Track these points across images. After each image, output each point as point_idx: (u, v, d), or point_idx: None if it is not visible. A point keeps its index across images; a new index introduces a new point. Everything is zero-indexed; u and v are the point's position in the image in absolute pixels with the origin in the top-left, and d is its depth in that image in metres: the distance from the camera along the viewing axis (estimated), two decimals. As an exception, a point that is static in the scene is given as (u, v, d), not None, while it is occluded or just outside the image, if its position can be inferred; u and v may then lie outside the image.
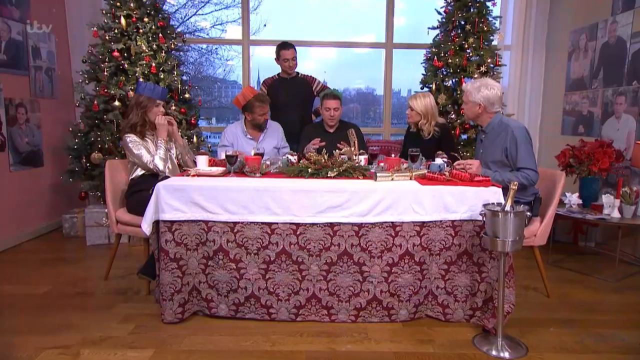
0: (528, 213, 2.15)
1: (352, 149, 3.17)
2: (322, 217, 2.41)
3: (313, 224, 2.42)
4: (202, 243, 2.44)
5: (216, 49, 7.99)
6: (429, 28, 4.54)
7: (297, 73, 4.09)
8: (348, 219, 2.41)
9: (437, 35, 4.52)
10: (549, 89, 4.93)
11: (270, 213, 2.40)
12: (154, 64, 3.99)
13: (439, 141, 3.38)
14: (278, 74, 4.12)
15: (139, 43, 4.01)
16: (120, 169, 3.21)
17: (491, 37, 4.21)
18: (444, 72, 4.35)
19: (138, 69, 3.96)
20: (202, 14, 8.13)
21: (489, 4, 4.26)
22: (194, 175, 2.62)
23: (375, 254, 2.44)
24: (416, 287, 2.46)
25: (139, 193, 2.95)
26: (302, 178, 2.64)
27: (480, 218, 2.39)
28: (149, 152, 3.01)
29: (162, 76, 4.04)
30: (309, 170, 2.68)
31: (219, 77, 8.58)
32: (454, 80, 4.28)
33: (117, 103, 3.85)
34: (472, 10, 4.23)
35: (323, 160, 2.74)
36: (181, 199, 2.40)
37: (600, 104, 4.15)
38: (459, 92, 4.18)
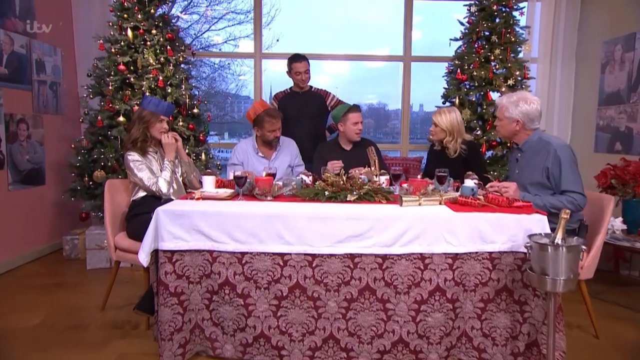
0: (583, 247, 1.85)
1: (373, 168, 2.90)
2: (341, 247, 2.13)
3: (331, 255, 2.14)
4: (206, 275, 2.18)
5: (229, 64, 7.87)
6: (450, 39, 4.28)
7: (310, 87, 3.86)
8: (370, 249, 2.13)
9: (460, 47, 4.26)
10: (580, 104, 4.62)
11: (282, 242, 2.14)
12: (161, 78, 3.80)
13: (466, 160, 3.09)
14: (290, 88, 3.89)
15: (146, 56, 3.82)
16: (121, 189, 2.97)
17: (518, 49, 3.94)
18: (468, 86, 4.07)
19: (145, 82, 3.76)
20: (215, 30, 8.04)
21: (515, 13, 4.00)
22: (198, 199, 2.37)
23: (402, 289, 2.15)
24: (448, 328, 2.16)
25: (140, 216, 2.70)
26: (318, 202, 2.37)
27: (522, 250, 2.10)
28: (152, 172, 2.78)
29: (169, 90, 3.84)
30: (326, 193, 2.41)
31: (231, 92, 8.46)
32: (478, 94, 4.00)
33: (121, 118, 3.64)
34: (497, 20, 3.97)
35: (341, 182, 2.47)
36: (183, 225, 2.14)
37: (640, 120, 3.83)
38: (484, 106, 3.90)
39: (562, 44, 4.59)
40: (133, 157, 2.77)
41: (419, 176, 2.86)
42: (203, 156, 3.96)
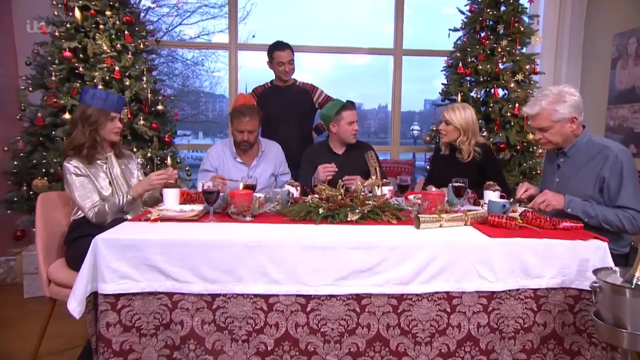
0: (674, 289, 1.39)
1: (374, 177, 2.40)
2: (344, 285, 1.62)
3: (331, 296, 1.63)
4: (164, 326, 1.63)
5: (202, 60, 7.27)
6: (450, 30, 3.83)
7: (295, 80, 3.33)
8: (383, 288, 1.63)
9: (459, 38, 3.82)
10: (587, 102, 4.19)
11: (267, 280, 1.61)
12: (117, 68, 3.20)
13: (480, 166, 2.62)
14: (271, 82, 3.35)
15: (98, 42, 3.21)
16: (59, 204, 2.38)
17: (527, 40, 3.51)
18: (471, 82, 3.62)
19: (97, 73, 3.15)
20: (188, 24, 7.42)
21: (523, 1, 3.56)
22: (155, 220, 1.82)
23: (422, 338, 1.65)
24: (486, 388, 1.68)
25: (81, 240, 2.13)
26: (310, 223, 1.86)
27: (575, 286, 1.64)
28: (95, 190, 2.20)
29: (127, 83, 3.24)
30: (320, 211, 1.90)
31: (205, 90, 7.89)
32: (484, 91, 3.55)
33: (67, 116, 3.03)
34: (503, 8, 3.53)
35: (340, 197, 1.95)
36: (132, 260, 1.59)
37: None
38: (490, 104, 3.45)
39: (569, 39, 4.19)
40: (73, 168, 2.19)
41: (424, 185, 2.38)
42: (169, 160, 3.38)
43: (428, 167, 3.87)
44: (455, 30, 3.81)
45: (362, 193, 2.02)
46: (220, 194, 1.91)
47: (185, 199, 2.21)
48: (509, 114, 3.37)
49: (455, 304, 1.65)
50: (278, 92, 3.24)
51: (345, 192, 2.03)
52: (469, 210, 1.91)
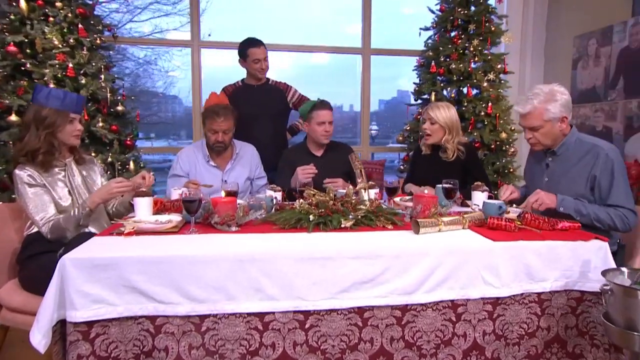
0: (685, 290, 1.37)
1: (360, 180, 2.30)
2: (345, 298, 1.51)
3: (331, 311, 1.51)
4: (145, 354, 1.44)
5: (155, 59, 6.88)
6: (420, 29, 3.81)
7: (268, 79, 3.17)
8: (386, 299, 1.52)
9: (430, 37, 3.80)
10: (550, 102, 4.35)
11: (262, 297, 1.47)
12: (71, 65, 2.92)
13: (464, 165, 2.59)
14: (242, 80, 3.17)
15: (48, 36, 2.92)
16: (8, 217, 2.11)
17: (497, 40, 3.54)
18: (443, 80, 3.61)
19: (47, 70, 2.86)
20: (139, 21, 7.02)
21: (492, 1, 3.59)
22: (130, 233, 1.62)
23: (428, 350, 1.56)
24: (487, 397, 1.61)
25: (37, 258, 1.90)
26: (301, 231, 1.73)
27: (578, 288, 1.61)
28: (51, 201, 1.97)
29: (83, 81, 2.97)
30: (311, 217, 1.77)
31: (159, 90, 7.51)
32: (456, 90, 3.54)
33: (14, 117, 2.72)
34: (473, 8, 3.54)
35: (331, 202, 1.83)
36: (107, 282, 1.39)
37: (621, 118, 3.58)
38: (465, 103, 3.44)
39: (532, 40, 4.30)
40: (27, 176, 1.94)
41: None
42: (132, 165, 3.13)
43: (403, 167, 3.83)
44: (426, 29, 3.79)
45: (354, 198, 1.91)
46: (203, 203, 1.73)
47: (159, 209, 2.01)
48: (482, 113, 3.38)
49: (461, 312, 1.58)
50: (251, 91, 3.07)
51: (334, 196, 1.92)
52: (465, 213, 1.85)
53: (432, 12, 3.75)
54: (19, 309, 1.82)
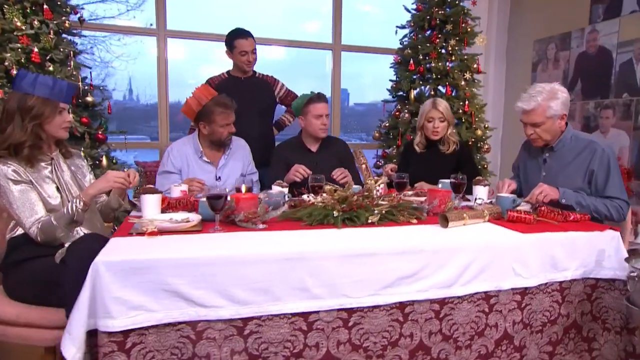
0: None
1: (366, 174, 2.29)
2: (388, 294, 1.49)
3: (374, 307, 1.48)
4: (185, 363, 1.34)
5: (91, 47, 6.40)
6: (397, 27, 3.86)
7: (254, 72, 3.07)
8: (427, 293, 1.53)
9: (405, 36, 3.86)
10: (512, 102, 4.59)
11: (307, 296, 1.41)
12: (36, 49, 2.65)
13: (458, 159, 2.67)
14: (228, 72, 3.05)
15: (7, 16, 2.63)
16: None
17: (472, 41, 3.67)
18: (422, 79, 3.68)
19: (9, 54, 2.58)
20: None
21: (465, 3, 3.72)
22: (152, 234, 1.50)
23: (463, 342, 1.59)
24: (514, 384, 1.67)
25: (28, 264, 1.71)
26: (328, 227, 1.69)
27: (593, 275, 1.71)
28: (40, 198, 1.77)
29: (51, 68, 2.70)
30: (335, 214, 1.73)
31: (94, 82, 7.00)
32: (434, 88, 3.63)
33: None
34: (449, 9, 3.65)
35: (355, 198, 1.81)
36: (145, 286, 1.27)
37: (579, 118, 3.87)
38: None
39: (495, 43, 4.52)
40: (12, 171, 1.73)
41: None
42: (104, 161, 2.90)
43: (380, 162, 3.87)
44: (402, 27, 3.85)
45: (377, 193, 1.89)
46: (227, 199, 1.63)
47: (164, 207, 1.87)
48: (460, 111, 3.49)
49: (493, 302, 1.62)
50: (237, 84, 2.95)
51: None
52: (490, 208, 1.89)
53: (408, 10, 3.82)
54: (12, 322, 1.61)
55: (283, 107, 3.25)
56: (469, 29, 3.59)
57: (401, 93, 3.81)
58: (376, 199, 1.86)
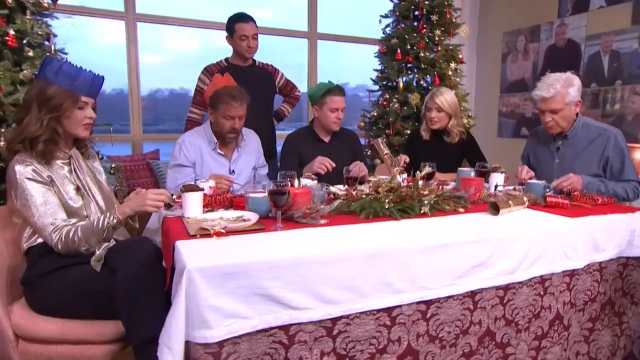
0: None
1: (391, 164, 2.28)
2: (462, 284, 1.50)
3: (449, 298, 1.49)
4: (278, 369, 1.26)
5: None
6: (381, 16, 3.87)
7: (254, 61, 2.94)
8: (494, 280, 1.56)
9: (389, 25, 3.89)
10: (483, 91, 4.81)
11: (391, 291, 1.38)
12: (12, 31, 2.34)
13: (465, 147, 2.74)
14: (226, 60, 2.89)
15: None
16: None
17: (456, 32, 3.77)
18: (409, 68, 3.73)
19: (-18, 39, 2.27)
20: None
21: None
22: (219, 234, 1.39)
23: (522, 325, 1.65)
24: (562, 361, 1.77)
25: (57, 274, 1.53)
26: (384, 220, 1.67)
27: (626, 254, 1.83)
28: (60, 201, 1.59)
29: (31, 53, 2.41)
30: (386, 206, 1.71)
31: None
32: (420, 79, 3.69)
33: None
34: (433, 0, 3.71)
35: (404, 190, 1.79)
36: (238, 292, 1.18)
37: (533, 104, 4.11)
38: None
39: (467, 33, 4.66)
40: (30, 170, 1.53)
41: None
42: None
43: (368, 152, 3.88)
44: (386, 16, 3.86)
45: (403, 182, 1.89)
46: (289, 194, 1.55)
47: (208, 205, 1.75)
48: (448, 101, 3.58)
49: (547, 285, 1.68)
50: (238, 73, 2.79)
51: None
52: (527, 194, 1.95)
53: (392, 0, 3.84)
54: (54, 339, 1.43)
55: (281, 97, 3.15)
56: (453, 20, 3.67)
57: (387, 82, 3.84)
58: (422, 190, 1.85)
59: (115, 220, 1.56)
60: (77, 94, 1.62)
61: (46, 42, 2.61)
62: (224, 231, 1.39)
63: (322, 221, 1.59)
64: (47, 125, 1.58)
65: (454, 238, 1.49)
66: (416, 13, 3.68)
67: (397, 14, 3.75)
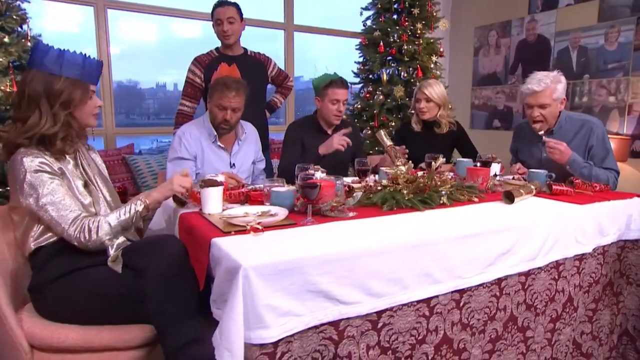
0: None
1: (397, 155, 2.29)
2: (491, 272, 1.53)
3: (479, 286, 1.52)
4: (328, 366, 1.24)
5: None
6: (362, 8, 3.87)
7: (245, 50, 2.85)
8: (518, 267, 1.60)
9: (369, 17, 3.90)
10: (455, 84, 4.92)
11: (430, 281, 1.39)
12: (-16, 17, 2.15)
13: (456, 138, 2.80)
14: (216, 49, 2.79)
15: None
16: None
17: (436, 25, 3.84)
18: (390, 61, 3.76)
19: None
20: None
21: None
22: (256, 230, 1.33)
23: (540, 309, 1.71)
24: (571, 342, 1.85)
25: (70, 278, 1.42)
26: (408, 211, 1.67)
27: (625, 237, 1.94)
28: (74, 199, 1.47)
29: (6, 39, 2.22)
30: (406, 197, 1.72)
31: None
32: (401, 71, 3.73)
33: None
34: (413, -8, 3.75)
35: (422, 180, 1.80)
36: (291, 289, 1.14)
37: (520, 99, 4.29)
38: (416, 83, 3.66)
39: (447, 27, 4.76)
40: (37, 162, 1.41)
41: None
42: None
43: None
44: (367, 9, 3.87)
45: (445, 175, 1.91)
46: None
47: (229, 199, 1.69)
48: (431, 93, 3.64)
49: (561, 270, 1.75)
50: (229, 63, 2.70)
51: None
52: (533, 183, 2.02)
53: (373, -7, 3.85)
54: (78, 348, 1.33)
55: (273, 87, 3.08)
56: (434, 13, 3.73)
57: (368, 75, 3.85)
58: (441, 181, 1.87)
59: (142, 206, 1.49)
60: (86, 84, 1.51)
61: (19, 29, 2.41)
62: (260, 227, 1.34)
63: (351, 214, 1.57)
64: (62, 120, 1.46)
65: (484, 227, 1.51)
66: (396, 6, 3.70)
67: (379, 6, 3.76)
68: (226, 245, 1.22)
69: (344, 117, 2.72)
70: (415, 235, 1.38)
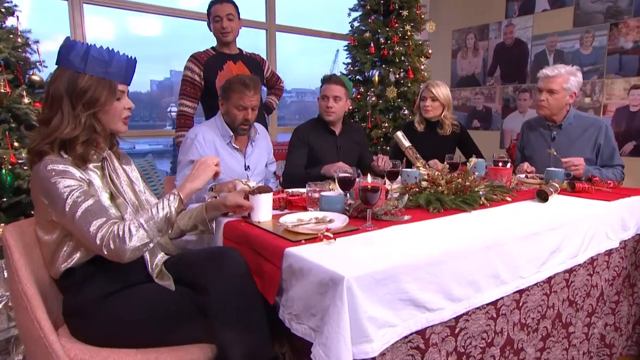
0: None
1: (416, 157, 2.29)
2: (545, 270, 1.55)
3: (534, 285, 1.53)
4: (416, 377, 1.19)
5: None
6: (350, 9, 3.86)
7: (240, 50, 2.74)
8: (564, 264, 1.63)
9: (356, 19, 3.89)
10: (434, 86, 5.01)
11: (498, 283, 1.38)
12: (-32, 8, 1.92)
13: (459, 138, 2.83)
14: (213, 48, 2.66)
15: None
16: (35, 243, 1.34)
17: (424, 27, 3.89)
18: (376, 62, 3.76)
19: None
20: None
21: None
22: (328, 237, 1.26)
23: (579, 305, 1.75)
24: (604, 333, 1.91)
25: (111, 300, 1.30)
26: (454, 213, 1.66)
27: (640, 232, 2.04)
28: (103, 207, 1.32)
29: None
30: (447, 197, 1.71)
31: None
32: (388, 72, 3.74)
33: None
34: (400, -6, 3.79)
35: (460, 180, 1.80)
36: (386, 298, 1.09)
37: (499, 100, 4.44)
38: (409, 84, 3.69)
39: (433, 29, 4.84)
40: (60, 167, 1.26)
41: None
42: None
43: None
44: (355, 9, 3.86)
45: (474, 174, 1.91)
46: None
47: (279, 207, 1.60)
48: (421, 94, 3.69)
49: (595, 265, 1.80)
50: (225, 61, 2.59)
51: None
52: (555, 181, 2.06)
53: (361, -6, 3.84)
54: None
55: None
56: (422, 16, 3.78)
57: (358, 76, 3.83)
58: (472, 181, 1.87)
59: (176, 201, 1.34)
60: (113, 83, 1.36)
61: (4, 24, 2.18)
62: (331, 235, 1.27)
63: (406, 217, 1.53)
64: (84, 123, 1.31)
65: (540, 226, 1.52)
66: (385, 8, 3.71)
67: (368, 7, 3.76)
68: (311, 256, 1.14)
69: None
70: (486, 236, 1.36)
